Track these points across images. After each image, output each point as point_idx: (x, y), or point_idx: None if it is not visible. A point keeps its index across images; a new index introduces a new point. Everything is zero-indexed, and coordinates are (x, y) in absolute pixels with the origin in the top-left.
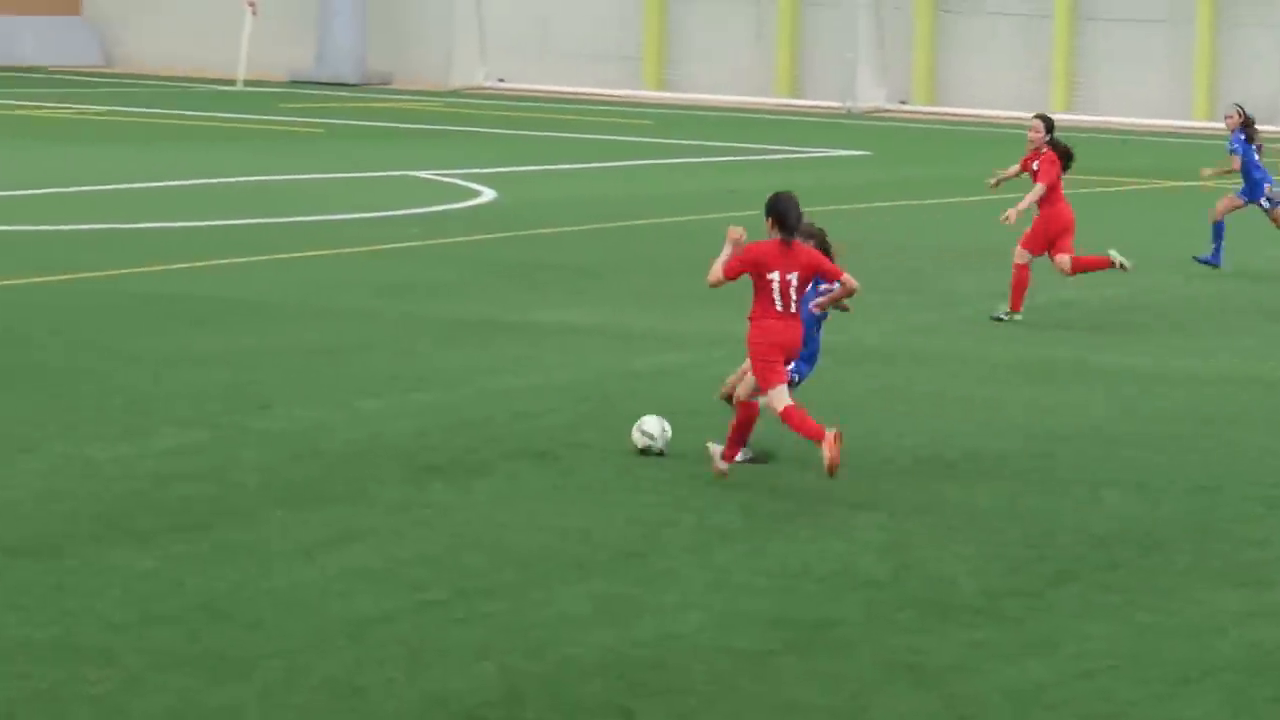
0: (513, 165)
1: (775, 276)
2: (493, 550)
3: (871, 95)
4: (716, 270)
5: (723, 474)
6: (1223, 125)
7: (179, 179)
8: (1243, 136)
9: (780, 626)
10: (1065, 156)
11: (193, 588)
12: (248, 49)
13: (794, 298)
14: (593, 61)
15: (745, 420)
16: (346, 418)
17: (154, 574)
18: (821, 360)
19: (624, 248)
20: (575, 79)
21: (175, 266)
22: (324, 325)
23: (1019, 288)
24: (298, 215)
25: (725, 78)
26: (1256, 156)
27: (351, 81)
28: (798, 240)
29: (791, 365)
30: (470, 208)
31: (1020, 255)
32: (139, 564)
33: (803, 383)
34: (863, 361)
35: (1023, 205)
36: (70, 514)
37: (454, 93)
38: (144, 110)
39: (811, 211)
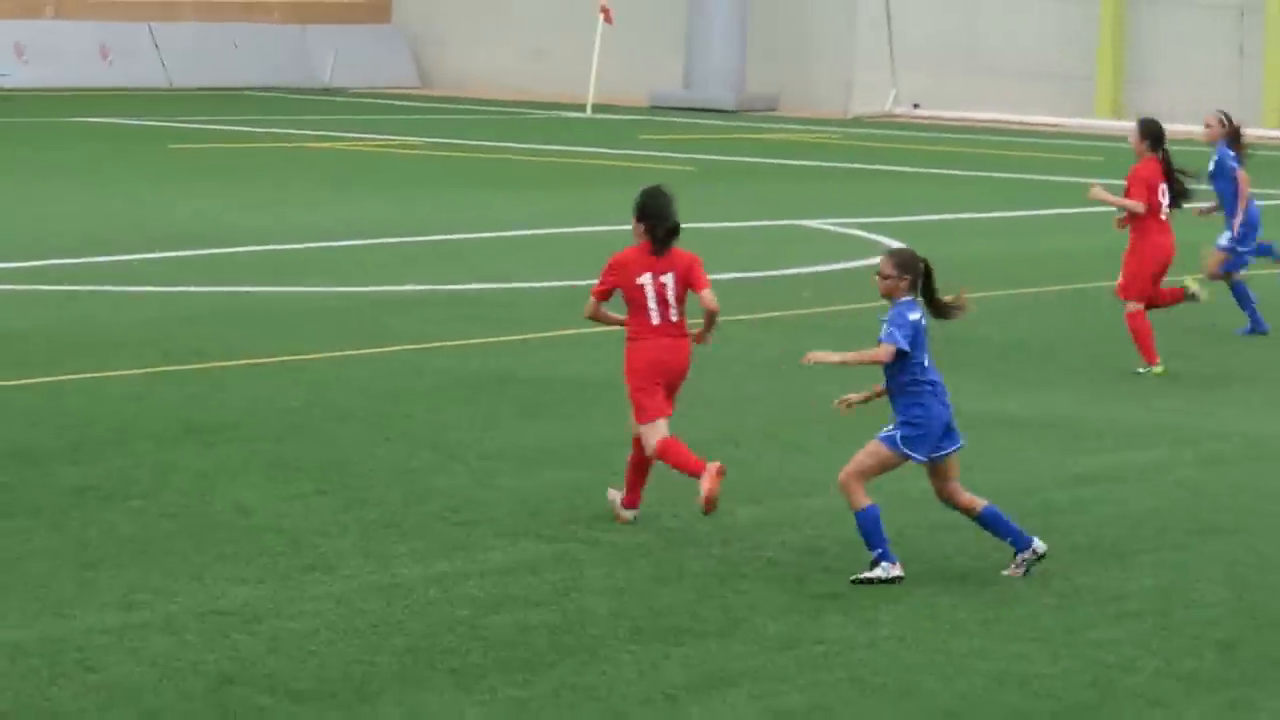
0: (928, 213)
1: (647, 280)
2: (903, 698)
3: None
4: (587, 305)
5: (625, 520)
6: None
7: (510, 229)
8: (1232, 152)
9: None
10: (1170, 175)
11: None
12: (599, 66)
13: (673, 304)
14: (1032, 82)
15: (639, 455)
16: (719, 528)
17: None
18: None
19: (1067, 318)
20: (1009, 104)
21: (503, 338)
22: (689, 413)
23: (1143, 339)
24: None
25: (1199, 104)
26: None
27: (727, 107)
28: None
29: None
30: (875, 266)
31: (1129, 306)
32: (460, 711)
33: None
34: None
35: (1112, 201)
36: (374, 648)
37: (855, 121)
38: (470, 143)
39: None
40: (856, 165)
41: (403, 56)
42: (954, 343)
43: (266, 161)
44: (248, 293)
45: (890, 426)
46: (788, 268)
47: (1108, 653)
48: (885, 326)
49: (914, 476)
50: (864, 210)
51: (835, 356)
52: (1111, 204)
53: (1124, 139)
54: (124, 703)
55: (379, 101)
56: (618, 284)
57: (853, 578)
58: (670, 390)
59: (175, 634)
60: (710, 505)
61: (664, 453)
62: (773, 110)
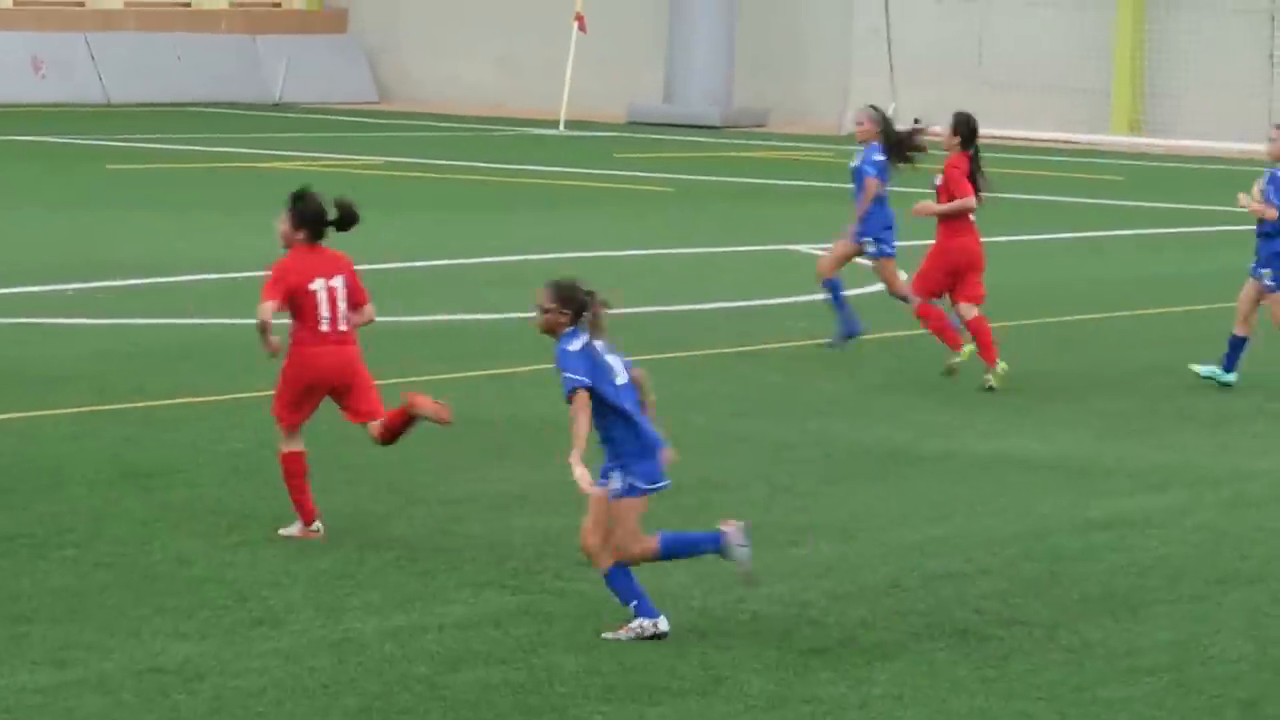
0: (930, 237)
1: (319, 285)
2: None
3: None
4: (263, 306)
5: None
6: None
7: (475, 255)
8: (881, 156)
9: None
10: (975, 175)
11: None
12: (572, 78)
13: (341, 309)
14: (1044, 96)
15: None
16: (698, 579)
17: None
18: None
19: (1082, 350)
20: (1019, 119)
21: (470, 374)
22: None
23: (942, 331)
24: (639, 305)
25: (1224, 119)
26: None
27: (712, 123)
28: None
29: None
30: (872, 295)
31: (914, 301)
32: None
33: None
34: None
35: (940, 210)
36: (325, 709)
37: (851, 138)
38: (433, 162)
39: None
40: (852, 186)
41: (360, 69)
42: (964, 377)
43: (213, 183)
44: (193, 325)
45: (616, 477)
46: (777, 296)
47: (1120, 712)
48: (561, 378)
49: (911, 523)
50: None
51: (575, 457)
52: (941, 212)
53: (1144, 157)
54: None
55: (334, 118)
56: (292, 289)
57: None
58: (328, 390)
59: (110, 694)
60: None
61: (289, 471)
62: (761, 126)
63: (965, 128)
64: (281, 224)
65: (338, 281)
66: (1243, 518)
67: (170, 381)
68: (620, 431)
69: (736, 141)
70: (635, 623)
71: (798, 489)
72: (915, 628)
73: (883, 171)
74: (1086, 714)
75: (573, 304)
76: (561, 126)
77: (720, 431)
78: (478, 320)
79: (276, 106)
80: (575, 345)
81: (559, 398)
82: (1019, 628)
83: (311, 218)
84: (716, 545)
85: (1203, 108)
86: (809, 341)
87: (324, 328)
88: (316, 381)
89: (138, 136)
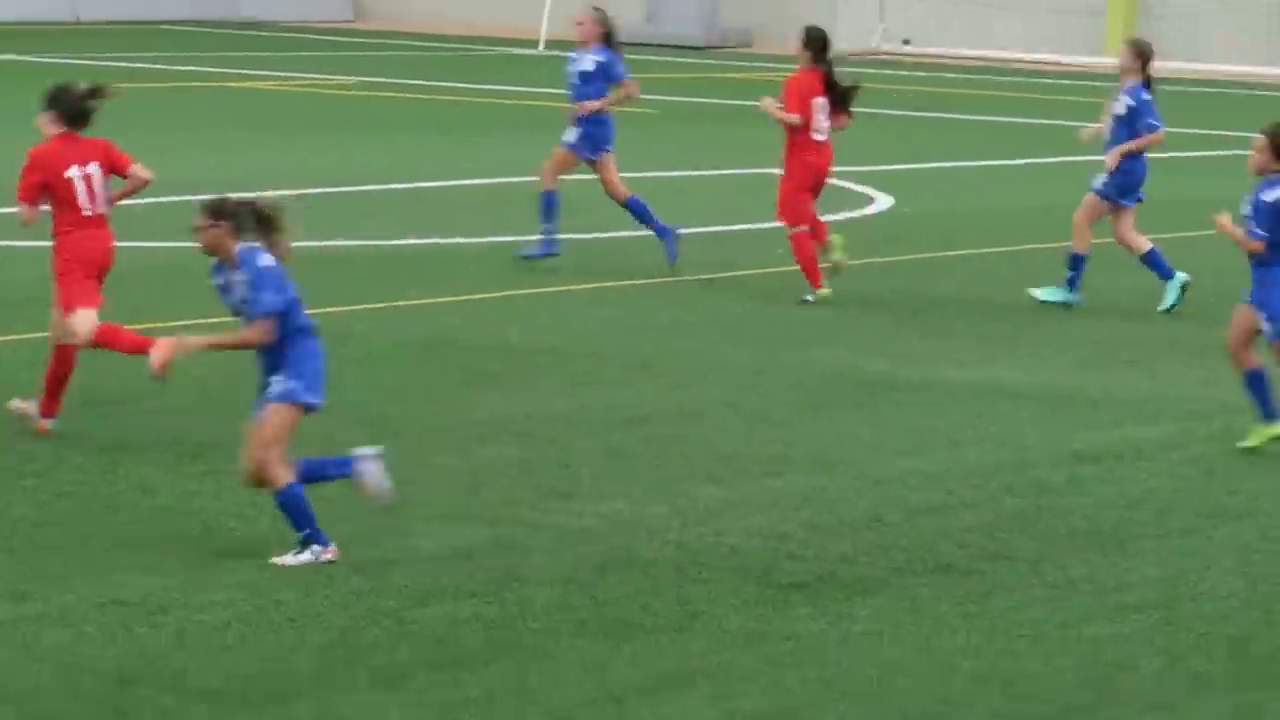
0: (917, 161)
1: (75, 174)
2: (875, 701)
3: None
4: (19, 209)
5: (45, 431)
6: None
7: (451, 178)
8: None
9: None
10: (832, 87)
11: None
12: None
13: (100, 194)
14: (1037, 17)
15: (61, 365)
16: (675, 512)
17: None
18: None
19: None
20: (1009, 40)
21: (443, 299)
22: (644, 383)
23: (806, 263)
24: (615, 229)
25: (1223, 40)
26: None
27: (696, 44)
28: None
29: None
30: (855, 220)
31: (789, 230)
32: (383, 714)
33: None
34: None
35: (776, 115)
36: (291, 644)
37: (838, 59)
38: (409, 83)
39: None
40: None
41: None
42: (945, 305)
43: (183, 103)
44: (155, 248)
45: (280, 381)
46: (758, 221)
47: (1105, 650)
48: (250, 293)
49: (891, 455)
50: (845, 158)
51: (203, 340)
52: (776, 117)
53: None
54: (12, 704)
55: (308, 36)
56: (44, 181)
57: (274, 559)
58: (101, 275)
59: (72, 626)
60: (160, 373)
61: (103, 336)
62: (746, 47)
63: (814, 42)
64: (41, 122)
65: (93, 168)
66: (1232, 451)
67: (132, 306)
68: (299, 349)
69: (721, 63)
70: (309, 550)
71: (774, 418)
72: (896, 562)
73: (614, 73)
74: (1071, 651)
75: (227, 216)
76: (541, 46)
77: (693, 359)
78: (453, 244)
79: (249, 25)
80: (267, 260)
81: (535, 325)
82: (1003, 563)
83: (60, 102)
84: (347, 470)
85: (1201, 28)
86: (788, 268)
87: (86, 213)
88: (91, 263)
89: (107, 55)
